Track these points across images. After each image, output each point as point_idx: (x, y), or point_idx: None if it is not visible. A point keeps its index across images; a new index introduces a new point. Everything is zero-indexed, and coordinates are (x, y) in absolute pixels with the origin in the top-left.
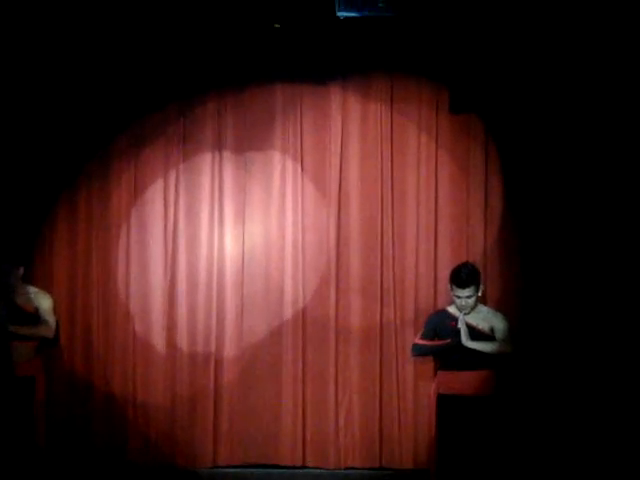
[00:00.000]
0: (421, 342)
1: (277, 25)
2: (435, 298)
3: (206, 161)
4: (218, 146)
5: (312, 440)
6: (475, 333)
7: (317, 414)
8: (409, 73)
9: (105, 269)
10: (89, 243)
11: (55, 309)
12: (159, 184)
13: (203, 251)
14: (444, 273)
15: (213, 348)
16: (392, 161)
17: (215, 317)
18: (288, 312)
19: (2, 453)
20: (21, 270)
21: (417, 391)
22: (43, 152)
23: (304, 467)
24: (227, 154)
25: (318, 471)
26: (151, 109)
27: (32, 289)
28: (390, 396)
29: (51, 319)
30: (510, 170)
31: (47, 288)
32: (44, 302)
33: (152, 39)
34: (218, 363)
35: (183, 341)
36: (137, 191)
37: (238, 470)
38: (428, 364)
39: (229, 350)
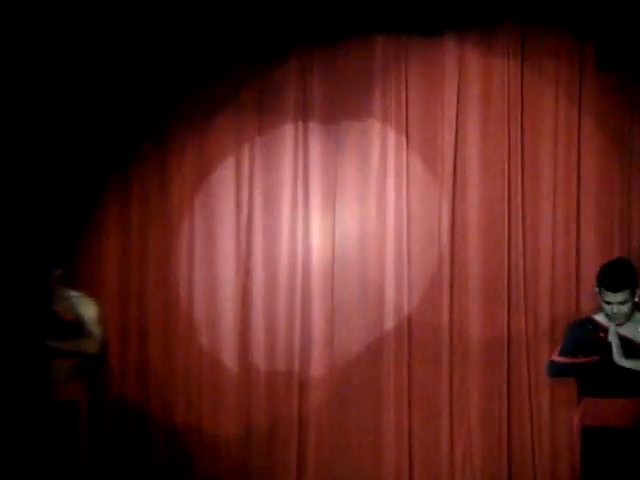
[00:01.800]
0: (560, 359)
1: None
2: (577, 304)
3: (288, 134)
4: (302, 115)
5: None
6: (631, 348)
7: (427, 450)
8: (545, 22)
9: (164, 270)
10: (145, 238)
11: (102, 319)
12: (230, 163)
13: (284, 246)
14: (589, 273)
15: (297, 367)
16: (522, 132)
17: (299, 328)
18: (389, 322)
19: None
20: (60, 271)
21: (555, 423)
22: (91, 124)
23: None
24: (314, 125)
25: None
26: (220, 71)
27: (74, 294)
28: (520, 429)
29: (97, 331)
30: None
31: (93, 294)
32: (88, 310)
33: None
34: (303, 385)
35: (260, 358)
36: (203, 173)
37: None
38: (569, 388)
39: (316, 369)
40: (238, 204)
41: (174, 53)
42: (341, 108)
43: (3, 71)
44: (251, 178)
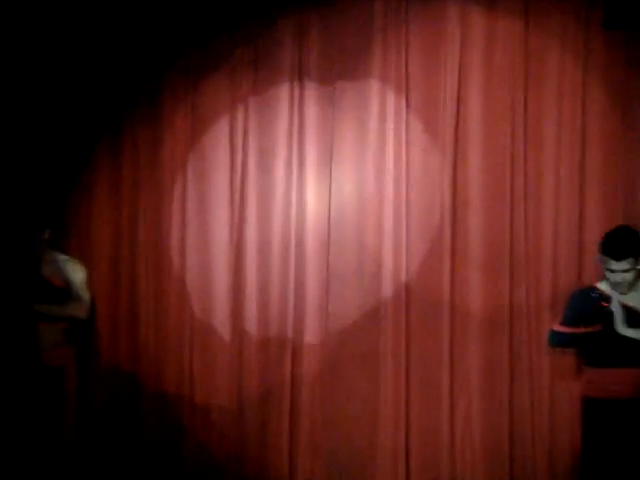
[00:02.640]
0: (562, 329)
1: None
2: (580, 272)
3: (283, 93)
4: (298, 74)
5: (419, 455)
6: (634, 317)
7: (425, 421)
8: None
9: (156, 234)
10: (136, 202)
11: (90, 283)
12: (223, 124)
13: (278, 210)
14: (593, 240)
15: (290, 334)
16: (526, 93)
17: (293, 295)
18: (387, 290)
19: (27, 456)
20: (47, 234)
21: (556, 393)
22: (76, 86)
23: None
24: (310, 84)
25: None
26: (217, 28)
27: (61, 257)
28: (521, 399)
29: (85, 295)
30: None
31: (82, 257)
32: (76, 274)
33: None
34: (296, 353)
35: (252, 325)
36: (195, 134)
37: None
38: (570, 358)
39: (310, 337)
40: (232, 166)
41: (171, 6)
42: (339, 68)
43: None
44: (245, 139)
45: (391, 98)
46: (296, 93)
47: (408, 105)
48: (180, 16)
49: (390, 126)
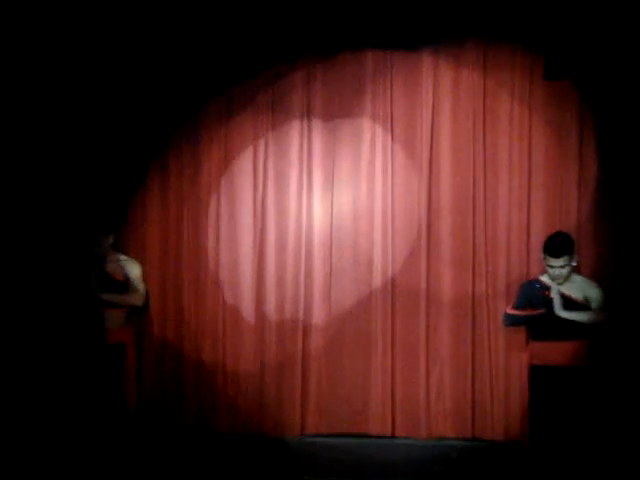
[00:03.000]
0: (513, 312)
1: None
2: (528, 268)
3: (294, 129)
4: (307, 113)
5: (402, 410)
6: (569, 303)
7: (407, 384)
8: (503, 40)
9: (195, 238)
10: (180, 212)
11: (145, 277)
12: (248, 153)
13: (291, 219)
14: (537, 242)
15: (301, 316)
16: (484, 129)
17: (303, 286)
18: (377, 282)
19: (94, 418)
20: (111, 238)
21: (509, 362)
22: (135, 120)
23: (393, 437)
24: (316, 121)
25: (408, 441)
26: (241, 77)
27: (122, 257)
28: (482, 367)
29: (141, 287)
30: (605, 139)
31: (139, 257)
32: (134, 270)
33: (244, 8)
34: (306, 332)
35: (271, 309)
36: (227, 160)
37: (326, 439)
38: (520, 334)
39: (317, 319)
40: (255, 185)
41: (205, 64)
42: (338, 108)
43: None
44: (265, 165)
45: (379, 131)
46: (305, 128)
47: (393, 137)
48: (213, 69)
49: (379, 154)
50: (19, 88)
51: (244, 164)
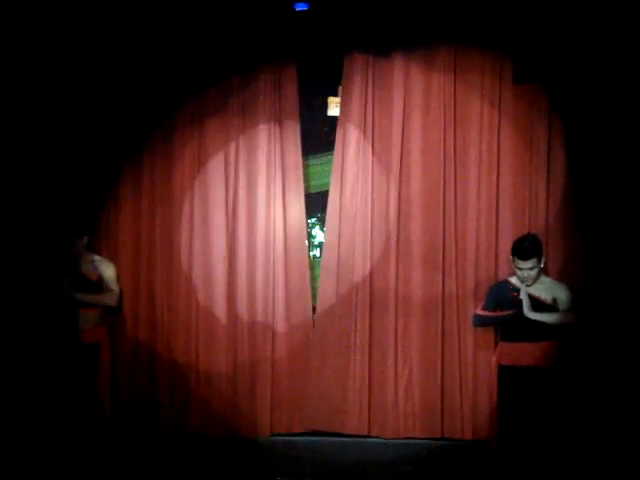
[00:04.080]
0: (483, 313)
1: None
2: (496, 269)
3: (264, 133)
4: (276, 118)
5: (373, 409)
6: (537, 304)
7: (378, 384)
8: (472, 44)
9: (168, 239)
10: (153, 213)
11: (119, 277)
12: (220, 156)
13: (262, 221)
14: (506, 245)
15: (271, 318)
16: (455, 131)
17: (273, 286)
18: (347, 284)
19: (69, 417)
20: (85, 239)
21: (478, 362)
22: (109, 121)
23: (367, 437)
24: (286, 124)
25: (378, 440)
26: (214, 82)
27: (96, 257)
28: (451, 367)
29: (115, 287)
30: (573, 141)
31: (112, 257)
32: (108, 270)
33: (215, 16)
34: (275, 333)
35: (243, 310)
36: (200, 162)
37: (297, 439)
38: (489, 335)
39: (289, 320)
40: (226, 187)
41: (179, 65)
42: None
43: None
44: (236, 167)
45: (351, 134)
46: (274, 132)
47: (364, 140)
48: (188, 72)
49: (350, 157)
50: None
51: (216, 167)
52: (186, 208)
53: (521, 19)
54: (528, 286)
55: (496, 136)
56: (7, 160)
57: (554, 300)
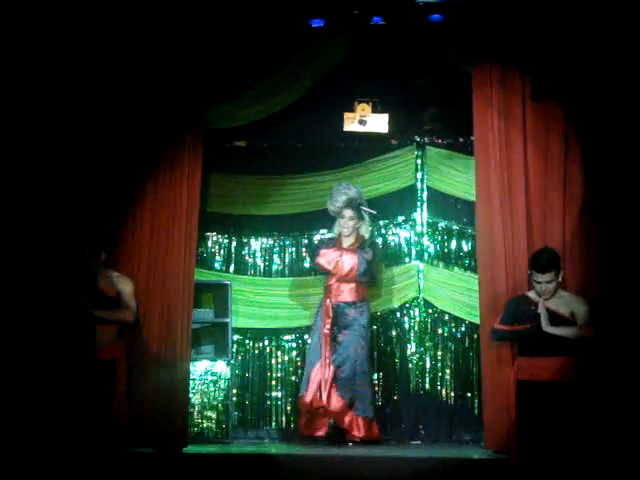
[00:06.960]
0: (500, 327)
1: None
2: (515, 283)
3: None
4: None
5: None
6: (555, 318)
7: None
8: (492, 60)
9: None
10: (170, 230)
11: (136, 294)
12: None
13: None
14: (523, 259)
15: None
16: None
17: None
18: None
19: (85, 433)
20: (103, 256)
21: (496, 376)
22: (129, 136)
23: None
24: None
25: (394, 453)
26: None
27: (114, 274)
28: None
29: (132, 303)
30: (590, 157)
31: (128, 274)
32: (126, 287)
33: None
34: None
35: None
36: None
37: None
38: (507, 349)
39: None
40: None
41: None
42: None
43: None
44: None
45: None
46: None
47: None
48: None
49: None
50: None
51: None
52: None
53: (541, 38)
54: (546, 300)
55: (515, 152)
56: (26, 177)
57: (572, 314)
